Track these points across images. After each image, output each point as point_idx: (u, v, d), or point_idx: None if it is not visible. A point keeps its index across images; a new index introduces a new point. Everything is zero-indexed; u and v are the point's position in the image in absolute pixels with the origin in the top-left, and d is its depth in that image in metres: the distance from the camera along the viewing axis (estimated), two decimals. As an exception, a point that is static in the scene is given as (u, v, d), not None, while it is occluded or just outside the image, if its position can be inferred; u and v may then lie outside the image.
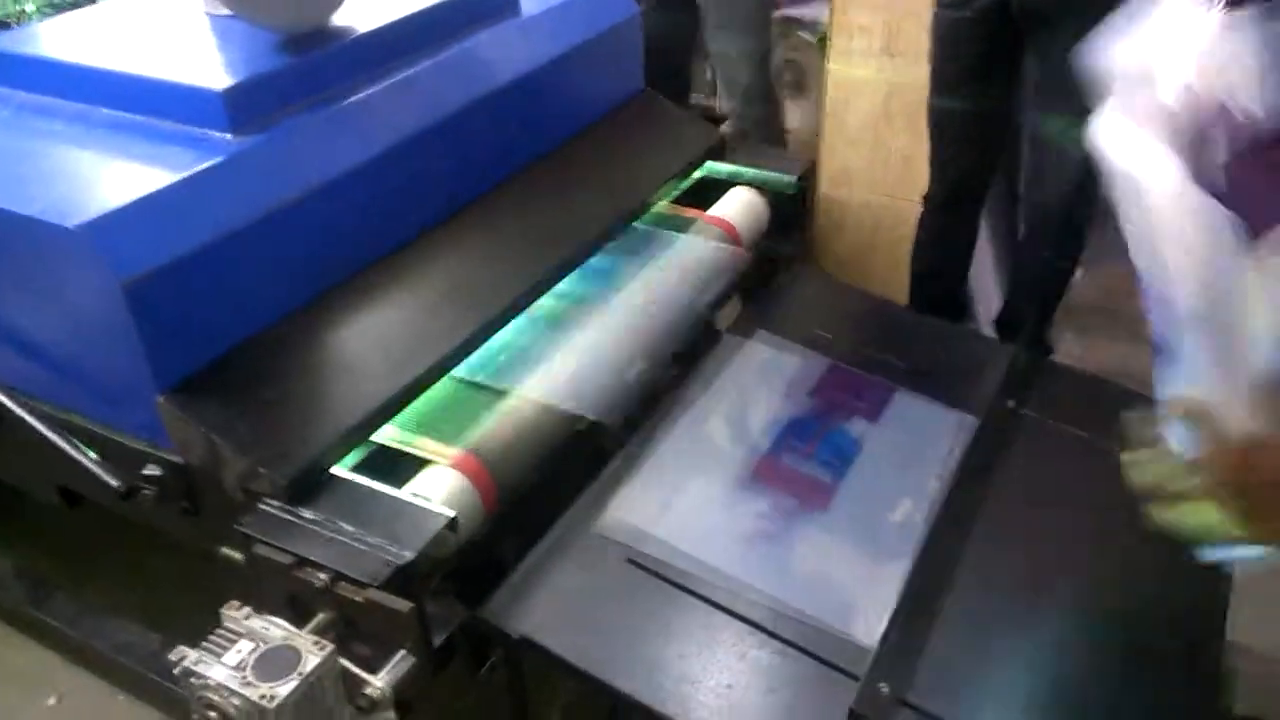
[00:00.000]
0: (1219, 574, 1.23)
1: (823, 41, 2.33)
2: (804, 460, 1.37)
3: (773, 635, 1.09)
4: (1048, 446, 1.44)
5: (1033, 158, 2.04)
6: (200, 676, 0.94)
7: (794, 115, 2.62)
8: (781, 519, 1.28)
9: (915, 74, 2.04)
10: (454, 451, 1.16)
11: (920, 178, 2.14)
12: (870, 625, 1.10)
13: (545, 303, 1.44)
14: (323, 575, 1.00)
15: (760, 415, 1.44)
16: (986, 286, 2.33)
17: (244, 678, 0.93)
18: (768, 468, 1.35)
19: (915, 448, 1.41)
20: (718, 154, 1.81)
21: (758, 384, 1.50)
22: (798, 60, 2.55)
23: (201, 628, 0.99)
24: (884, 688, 0.95)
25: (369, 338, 1.27)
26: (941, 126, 1.98)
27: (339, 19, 1.41)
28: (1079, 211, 1.87)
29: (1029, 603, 1.23)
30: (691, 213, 1.67)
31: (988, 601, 1.20)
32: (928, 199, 2.06)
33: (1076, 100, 0.95)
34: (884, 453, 1.40)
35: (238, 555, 1.09)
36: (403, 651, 1.01)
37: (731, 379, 1.51)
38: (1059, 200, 1.88)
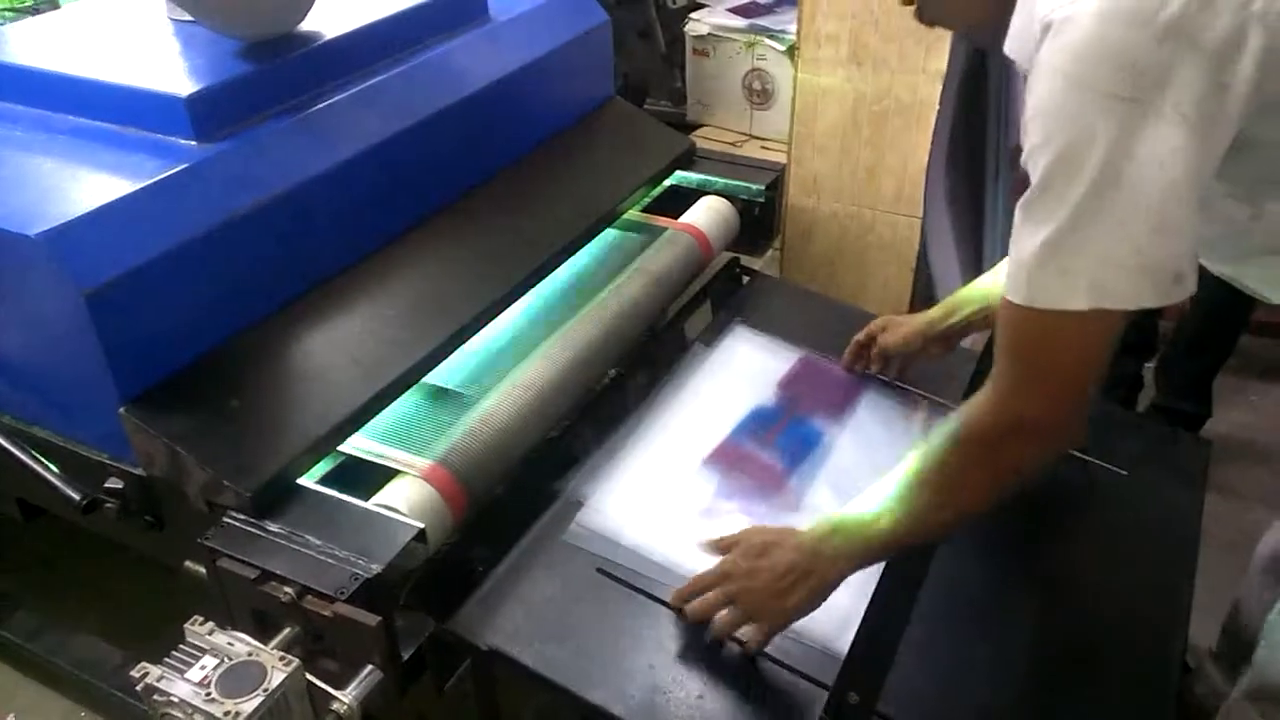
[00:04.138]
0: (1181, 581, 1.25)
1: (791, 50, 2.35)
2: (772, 462, 1.38)
3: (742, 644, 1.09)
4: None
5: None
6: (163, 693, 0.93)
7: (761, 124, 2.64)
8: (750, 524, 1.28)
9: (881, 82, 2.06)
10: (423, 462, 1.15)
11: (885, 187, 2.15)
12: (840, 633, 1.10)
13: (515, 311, 1.44)
14: (289, 589, 0.99)
15: (728, 420, 1.44)
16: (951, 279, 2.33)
17: (208, 694, 0.92)
18: (736, 471, 1.36)
19: (882, 450, 1.42)
20: (687, 162, 1.81)
21: (726, 389, 1.50)
22: (765, 69, 2.57)
23: (165, 643, 0.98)
24: (853, 696, 0.96)
25: (336, 347, 1.26)
26: None
27: (306, 25, 1.40)
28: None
29: (996, 610, 1.24)
30: (662, 221, 1.67)
31: (956, 609, 1.21)
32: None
33: None
34: (851, 454, 1.41)
35: (202, 569, 1.07)
36: (370, 666, 1.00)
37: (702, 384, 1.51)
38: None
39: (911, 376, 1.52)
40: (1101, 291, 0.81)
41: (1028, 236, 0.84)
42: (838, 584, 1.05)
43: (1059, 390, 0.90)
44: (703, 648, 1.11)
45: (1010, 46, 0.92)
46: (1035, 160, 0.83)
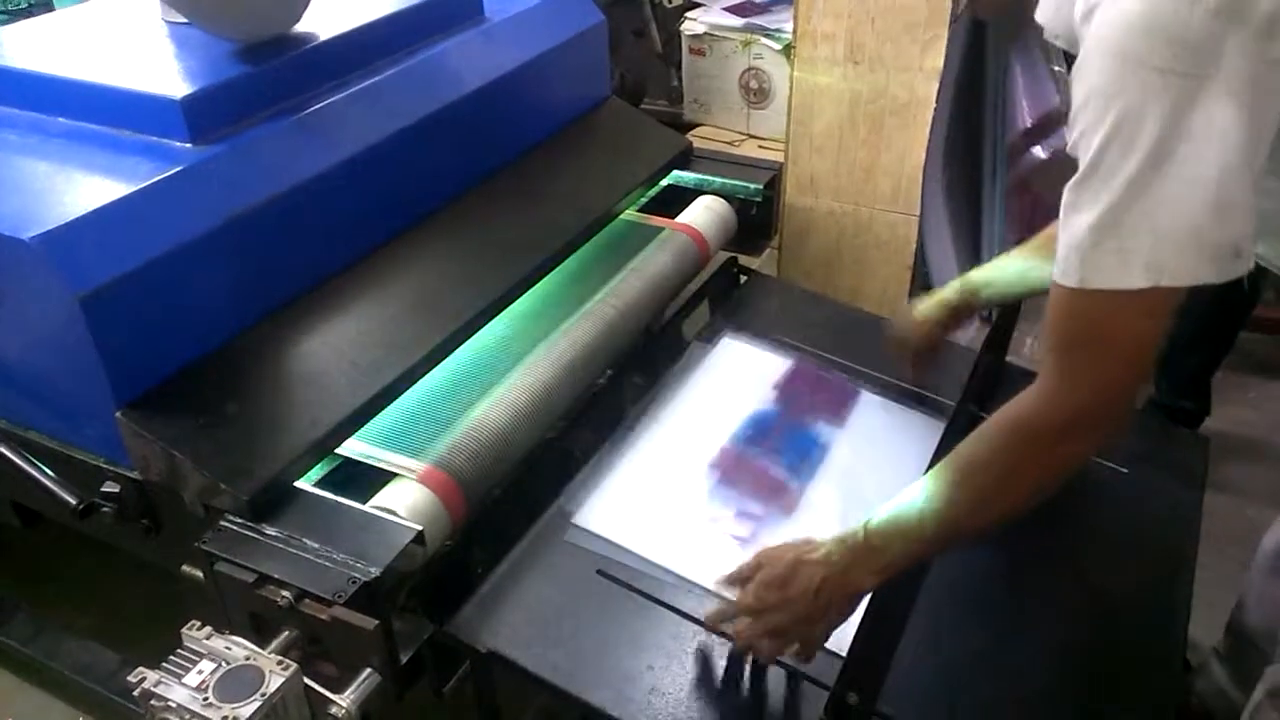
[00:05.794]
0: (1180, 578, 1.25)
1: (788, 49, 2.34)
2: (770, 465, 1.37)
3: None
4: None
5: None
6: (160, 698, 0.92)
7: (758, 123, 2.63)
8: (749, 525, 1.28)
9: (877, 81, 2.05)
10: (421, 464, 1.15)
11: (882, 185, 2.15)
12: (839, 633, 1.10)
13: (512, 312, 1.43)
14: (286, 593, 0.98)
15: (727, 421, 1.44)
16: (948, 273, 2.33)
17: (205, 699, 0.91)
18: (734, 474, 1.35)
19: (881, 450, 1.42)
20: (685, 162, 1.81)
21: (724, 390, 1.50)
22: (762, 68, 2.56)
23: (162, 647, 0.98)
24: (853, 696, 0.95)
25: (333, 349, 1.25)
26: None
27: (300, 27, 1.39)
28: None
29: (995, 608, 1.24)
30: (659, 221, 1.67)
31: (955, 609, 1.21)
32: None
33: None
34: (849, 456, 1.41)
35: (199, 573, 1.07)
36: (369, 670, 1.00)
37: (698, 385, 1.51)
38: None
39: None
40: (1159, 269, 0.79)
41: (1079, 217, 0.81)
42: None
43: (1113, 378, 0.86)
44: (701, 649, 1.11)
45: (1042, 14, 0.90)
46: (1087, 141, 0.80)
